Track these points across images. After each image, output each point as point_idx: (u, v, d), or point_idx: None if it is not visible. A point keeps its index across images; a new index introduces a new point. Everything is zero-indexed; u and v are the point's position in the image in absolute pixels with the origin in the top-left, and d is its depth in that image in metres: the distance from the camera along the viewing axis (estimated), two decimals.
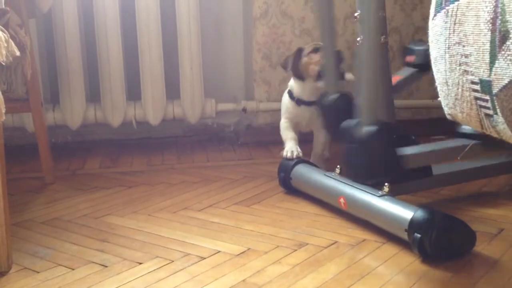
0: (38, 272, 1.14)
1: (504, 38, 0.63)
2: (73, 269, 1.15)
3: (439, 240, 1.14)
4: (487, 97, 0.68)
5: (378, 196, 1.30)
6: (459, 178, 1.52)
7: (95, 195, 1.65)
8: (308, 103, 1.74)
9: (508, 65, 0.63)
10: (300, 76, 1.73)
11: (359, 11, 1.37)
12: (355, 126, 1.37)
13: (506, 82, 0.64)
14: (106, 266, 1.16)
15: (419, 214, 1.17)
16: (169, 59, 2.14)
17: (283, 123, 1.78)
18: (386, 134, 1.34)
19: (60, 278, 1.11)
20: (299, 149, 1.66)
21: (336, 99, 1.59)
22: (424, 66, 1.66)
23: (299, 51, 1.73)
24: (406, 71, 1.71)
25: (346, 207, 1.38)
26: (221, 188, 1.68)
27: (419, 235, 1.15)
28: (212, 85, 2.27)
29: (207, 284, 1.08)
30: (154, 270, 1.15)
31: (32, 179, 1.81)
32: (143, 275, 1.12)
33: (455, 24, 0.71)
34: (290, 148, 1.67)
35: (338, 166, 1.50)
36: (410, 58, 1.72)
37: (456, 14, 0.72)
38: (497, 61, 0.65)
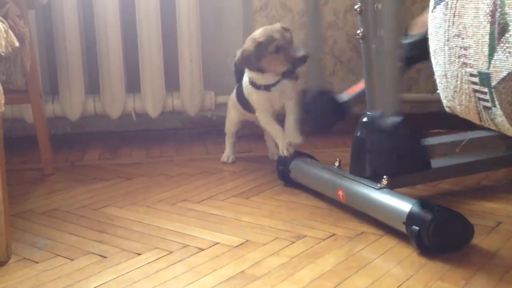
0: (37, 263, 1.15)
1: (503, 31, 0.64)
2: (72, 260, 1.16)
3: (437, 233, 1.14)
4: (486, 90, 0.68)
5: (377, 189, 1.31)
6: (458, 172, 1.52)
7: (94, 186, 1.65)
8: (275, 84, 1.68)
9: (507, 58, 0.63)
10: (260, 71, 1.65)
11: (358, 3, 1.37)
12: (379, 117, 1.37)
13: (505, 74, 0.64)
14: (105, 257, 1.17)
15: (417, 207, 1.18)
16: (168, 51, 2.14)
17: (265, 116, 1.70)
18: (411, 125, 1.36)
19: (59, 269, 1.12)
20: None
21: (317, 96, 1.60)
22: (409, 59, 1.59)
23: (260, 46, 1.61)
24: None
25: (345, 199, 1.38)
26: (220, 180, 1.68)
27: (417, 228, 1.15)
28: (212, 78, 2.27)
29: (205, 275, 1.09)
30: (153, 261, 1.15)
31: (31, 170, 1.81)
32: (141, 266, 1.13)
33: (454, 16, 0.71)
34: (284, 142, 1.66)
35: (337, 159, 1.50)
36: None
37: (455, 7, 0.72)
38: (496, 54, 0.65)
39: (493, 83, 0.66)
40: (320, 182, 1.49)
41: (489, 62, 0.66)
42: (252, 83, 1.68)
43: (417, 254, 1.16)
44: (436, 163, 1.44)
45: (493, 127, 0.72)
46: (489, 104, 0.69)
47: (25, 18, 1.58)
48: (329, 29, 2.32)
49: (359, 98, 1.69)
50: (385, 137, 1.37)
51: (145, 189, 1.60)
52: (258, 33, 1.65)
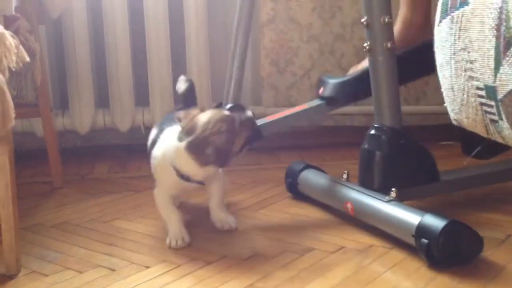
0: (47, 276, 1.15)
1: (508, 44, 0.64)
2: (81, 273, 1.16)
3: (446, 246, 1.14)
4: (492, 103, 0.69)
5: (385, 202, 1.30)
6: (467, 184, 1.51)
7: (104, 199, 1.66)
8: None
9: None
10: (204, 164, 1.24)
11: (365, 16, 1.38)
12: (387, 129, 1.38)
13: (511, 88, 0.64)
14: (114, 270, 1.17)
15: (426, 219, 1.17)
16: (177, 65, 2.15)
17: (161, 198, 1.34)
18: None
19: (68, 282, 1.13)
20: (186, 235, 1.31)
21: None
22: (331, 100, 1.61)
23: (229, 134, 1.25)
24: (312, 103, 1.65)
25: (353, 212, 1.38)
26: (229, 193, 1.68)
27: (426, 241, 1.15)
28: (220, 91, 2.28)
29: None
30: (162, 274, 1.15)
31: (41, 184, 1.82)
32: (150, 279, 1.13)
33: (460, 30, 0.72)
34: (176, 234, 1.30)
35: (345, 171, 1.50)
36: (321, 90, 1.64)
37: (461, 21, 0.72)
38: (501, 67, 0.65)
39: (499, 96, 0.66)
40: (329, 194, 1.49)
41: (495, 76, 0.67)
42: (177, 169, 1.27)
43: (426, 267, 1.15)
44: (445, 175, 1.44)
45: (500, 140, 0.72)
46: (496, 117, 0.69)
47: (36, 33, 1.60)
48: (336, 42, 2.33)
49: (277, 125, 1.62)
50: (393, 149, 1.37)
51: (154, 202, 1.60)
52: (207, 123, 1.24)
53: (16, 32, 1.37)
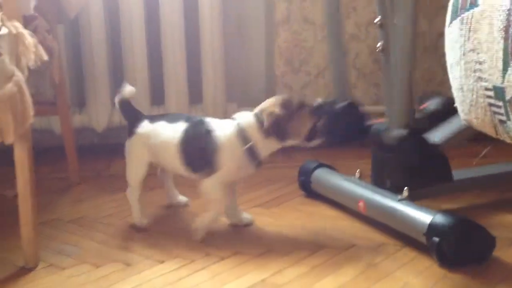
0: (64, 269, 1.18)
1: None
2: (97, 267, 1.19)
3: (458, 245, 1.15)
4: (501, 104, 0.70)
5: (397, 201, 1.31)
6: (480, 183, 1.52)
7: (119, 195, 1.68)
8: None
9: None
10: (283, 138, 1.33)
11: (379, 17, 1.39)
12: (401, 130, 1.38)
13: None
14: (129, 265, 1.20)
15: (438, 218, 1.18)
16: (192, 64, 2.17)
17: (219, 186, 1.33)
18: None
19: (85, 275, 1.15)
20: None
21: (344, 106, 1.59)
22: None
23: (287, 104, 1.33)
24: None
25: (365, 211, 1.39)
26: (242, 191, 1.70)
27: (437, 239, 1.16)
28: (234, 90, 2.30)
29: (227, 283, 1.11)
30: (176, 269, 1.18)
31: (59, 180, 1.86)
32: (164, 273, 1.15)
33: (469, 31, 0.73)
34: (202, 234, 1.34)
35: (358, 169, 1.52)
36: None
37: (471, 22, 0.73)
38: (509, 68, 0.66)
39: (508, 97, 0.67)
40: (341, 193, 1.50)
41: (503, 77, 0.67)
42: (251, 149, 1.31)
43: (437, 266, 1.16)
44: (458, 174, 1.45)
45: (509, 141, 0.73)
46: (504, 118, 0.70)
47: (54, 32, 1.63)
48: (351, 42, 2.33)
49: None
50: (406, 149, 1.38)
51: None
52: (269, 101, 1.37)
53: (34, 31, 1.39)
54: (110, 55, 2.15)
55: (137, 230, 1.40)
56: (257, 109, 1.35)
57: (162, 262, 1.21)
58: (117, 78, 2.18)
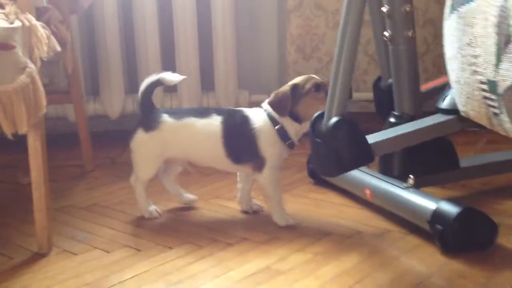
0: (77, 255, 1.22)
1: (508, 41, 0.66)
2: (108, 252, 1.23)
3: (461, 232, 1.16)
4: (494, 97, 0.71)
5: (403, 188, 1.33)
6: (486, 171, 1.52)
7: None
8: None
9: (511, 67, 0.66)
10: (296, 118, 1.36)
11: (387, 6, 1.39)
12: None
13: (510, 83, 0.67)
14: (140, 250, 1.24)
15: (442, 206, 1.20)
16: (204, 51, 2.20)
17: (275, 175, 1.37)
18: None
19: (96, 261, 1.19)
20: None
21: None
22: None
23: (295, 89, 1.36)
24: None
25: (372, 198, 1.41)
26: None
27: (441, 227, 1.17)
28: (246, 77, 2.32)
29: (232, 269, 1.14)
30: (184, 254, 1.21)
31: (73, 167, 1.90)
32: (173, 259, 1.19)
33: (466, 25, 0.74)
34: (288, 219, 1.37)
35: None
36: None
37: (467, 16, 0.74)
38: (501, 63, 0.67)
39: (500, 91, 0.68)
40: (349, 180, 1.52)
41: (496, 71, 0.69)
42: (282, 132, 1.36)
43: (440, 253, 1.18)
44: (464, 162, 1.46)
45: (503, 133, 0.74)
46: (497, 111, 0.72)
47: (67, 23, 1.66)
48: (363, 28, 2.33)
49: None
50: None
51: (181, 186, 1.66)
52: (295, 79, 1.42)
53: (47, 23, 1.43)
54: (123, 44, 2.17)
55: (146, 220, 1.43)
56: (268, 99, 1.39)
57: (171, 248, 1.24)
58: (131, 67, 2.21)
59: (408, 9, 1.37)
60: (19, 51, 1.16)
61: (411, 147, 1.38)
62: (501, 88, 0.68)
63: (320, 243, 1.26)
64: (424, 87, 1.67)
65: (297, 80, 1.39)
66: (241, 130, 1.36)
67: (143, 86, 1.42)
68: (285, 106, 1.35)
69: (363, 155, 1.22)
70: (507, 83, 0.67)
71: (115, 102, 2.16)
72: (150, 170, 1.42)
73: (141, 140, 1.40)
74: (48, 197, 1.23)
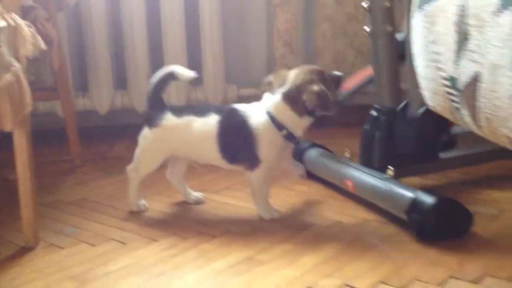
0: (63, 248, 1.25)
1: (465, 39, 0.69)
2: (94, 246, 1.26)
3: (437, 222, 1.20)
4: (456, 92, 0.74)
5: (383, 179, 1.36)
6: (464, 162, 1.56)
7: (121, 177, 1.74)
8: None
9: (468, 64, 0.69)
10: (302, 113, 1.33)
11: (367, 1, 1.42)
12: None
13: (467, 80, 0.70)
14: (125, 243, 1.27)
15: (419, 196, 1.23)
16: (191, 46, 2.22)
17: (266, 175, 1.37)
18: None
19: (82, 254, 1.22)
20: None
21: None
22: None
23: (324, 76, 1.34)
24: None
25: (354, 189, 1.45)
26: (238, 172, 1.75)
27: (417, 216, 1.21)
28: (234, 71, 2.34)
29: (215, 261, 1.17)
30: (169, 247, 1.24)
31: (62, 162, 1.92)
32: (157, 251, 1.22)
33: (430, 24, 0.77)
34: (273, 213, 1.39)
35: (348, 150, 1.56)
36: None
37: (431, 15, 0.77)
38: (460, 60, 0.70)
39: (460, 86, 0.71)
40: (332, 172, 1.55)
41: (456, 68, 0.72)
42: (279, 123, 1.33)
43: (416, 241, 1.21)
44: (443, 153, 1.49)
45: (465, 127, 0.77)
46: (459, 106, 0.75)
47: (54, 20, 1.68)
48: (350, 22, 2.36)
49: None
50: (392, 129, 1.43)
51: (168, 180, 1.68)
52: (298, 74, 1.35)
53: (33, 21, 1.45)
54: (111, 40, 2.19)
55: (133, 213, 1.45)
56: (285, 88, 1.33)
57: (156, 240, 1.28)
58: (119, 62, 2.24)
59: (388, 4, 1.40)
60: (4, 50, 1.18)
61: (390, 139, 1.42)
62: (461, 84, 0.71)
63: (301, 234, 1.29)
64: (348, 85, 1.72)
65: (308, 71, 1.34)
66: (239, 131, 1.34)
67: (154, 80, 1.41)
68: (301, 99, 1.30)
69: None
70: (466, 79, 0.70)
71: (104, 97, 2.19)
72: (151, 165, 1.44)
73: (145, 136, 1.41)
74: (34, 192, 1.25)
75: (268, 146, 1.34)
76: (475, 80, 0.66)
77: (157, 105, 1.41)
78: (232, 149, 1.36)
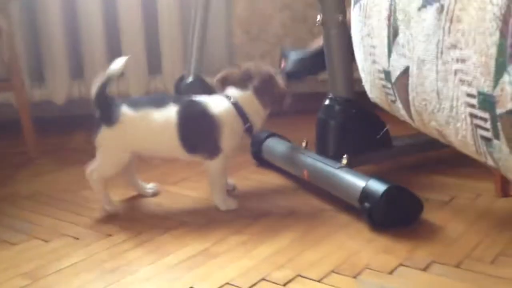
0: (15, 245, 1.23)
1: (395, 33, 0.70)
2: (47, 241, 1.24)
3: (387, 209, 1.22)
4: (389, 85, 0.75)
5: (336, 168, 1.38)
6: (418, 149, 1.59)
7: (78, 169, 1.70)
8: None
9: (399, 58, 0.70)
10: (267, 105, 1.40)
11: None
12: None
13: (398, 73, 0.71)
14: (78, 239, 1.25)
15: (370, 184, 1.25)
16: (150, 34, 2.19)
17: (224, 164, 1.39)
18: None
19: (34, 250, 1.21)
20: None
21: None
22: (292, 74, 1.72)
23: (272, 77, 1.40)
24: None
25: (309, 178, 1.46)
26: (197, 162, 1.75)
27: (368, 205, 1.23)
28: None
29: (170, 254, 1.17)
30: (122, 241, 1.23)
31: (18, 154, 1.89)
32: (110, 246, 1.21)
33: (365, 17, 0.78)
34: (229, 203, 1.40)
35: (304, 139, 1.57)
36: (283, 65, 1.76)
37: (366, 9, 0.78)
38: (392, 54, 0.71)
39: (393, 80, 0.72)
40: (288, 161, 1.56)
41: (389, 61, 0.73)
42: (241, 109, 1.37)
43: (368, 229, 1.23)
44: (397, 141, 1.51)
45: (401, 118, 0.78)
46: (393, 98, 0.76)
47: (4, 11, 1.64)
48: (310, 10, 2.36)
49: None
50: (346, 118, 1.44)
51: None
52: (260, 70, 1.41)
53: None
54: (67, 28, 2.15)
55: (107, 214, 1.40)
56: (254, 84, 1.38)
57: (110, 235, 1.27)
58: (75, 51, 2.20)
59: None
60: None
61: (345, 127, 1.43)
62: (393, 77, 0.72)
63: (257, 224, 1.30)
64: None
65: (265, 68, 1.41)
66: (200, 120, 1.34)
67: (94, 90, 1.34)
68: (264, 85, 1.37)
69: None
70: (397, 73, 0.71)
71: (60, 88, 2.15)
72: (117, 165, 1.37)
73: (105, 136, 1.34)
74: None
75: (231, 135, 1.36)
76: (405, 74, 0.67)
77: (106, 102, 1.34)
78: (193, 139, 1.36)
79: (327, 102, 1.47)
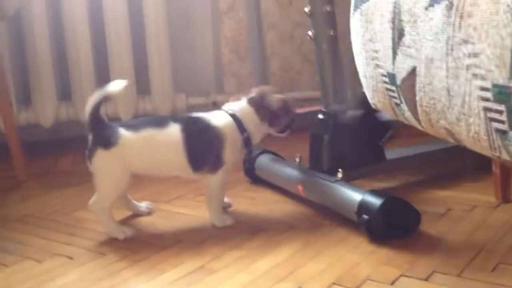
0: (8, 266, 1.20)
1: (400, 35, 0.70)
2: (40, 262, 1.22)
3: (385, 221, 1.21)
4: (394, 88, 0.75)
5: (332, 182, 1.37)
6: (412, 162, 1.59)
7: (67, 191, 1.71)
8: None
9: (405, 59, 0.70)
10: (265, 119, 1.40)
11: (309, 6, 1.43)
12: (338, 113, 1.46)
13: (404, 75, 0.71)
14: (72, 258, 1.23)
15: (367, 197, 1.24)
16: (138, 55, 2.19)
17: (224, 179, 1.38)
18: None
19: (27, 271, 1.18)
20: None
21: None
22: None
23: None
24: None
25: (304, 193, 1.45)
26: (189, 180, 1.73)
27: (366, 217, 1.22)
28: (183, 80, 2.33)
29: (165, 272, 1.15)
30: (117, 260, 1.21)
31: (6, 178, 1.86)
32: (106, 265, 1.19)
33: (367, 22, 0.78)
34: (225, 220, 1.39)
35: (297, 154, 1.57)
36: None
37: (367, 13, 0.78)
38: (397, 56, 0.71)
39: (398, 82, 0.73)
40: (282, 178, 1.56)
41: (393, 64, 0.73)
42: (240, 122, 1.38)
43: (367, 242, 1.22)
44: (390, 154, 1.52)
45: (406, 122, 0.78)
46: (398, 101, 0.76)
47: None
48: (297, 29, 2.38)
49: None
50: (339, 132, 1.44)
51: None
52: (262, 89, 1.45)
53: None
54: (54, 50, 2.15)
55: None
56: (250, 96, 1.40)
57: (104, 254, 1.24)
58: (63, 72, 2.18)
59: (328, 9, 1.42)
60: None
61: (338, 142, 1.43)
62: (398, 80, 0.72)
63: (253, 240, 1.28)
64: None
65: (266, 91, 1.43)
66: (204, 135, 1.33)
67: (89, 107, 1.30)
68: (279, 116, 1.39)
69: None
70: (403, 75, 0.71)
71: (47, 110, 2.13)
72: (118, 189, 1.33)
73: (103, 158, 1.30)
74: None
75: (232, 147, 1.36)
76: (412, 74, 0.68)
77: (100, 125, 1.31)
78: (199, 155, 1.34)
79: (320, 116, 1.47)
